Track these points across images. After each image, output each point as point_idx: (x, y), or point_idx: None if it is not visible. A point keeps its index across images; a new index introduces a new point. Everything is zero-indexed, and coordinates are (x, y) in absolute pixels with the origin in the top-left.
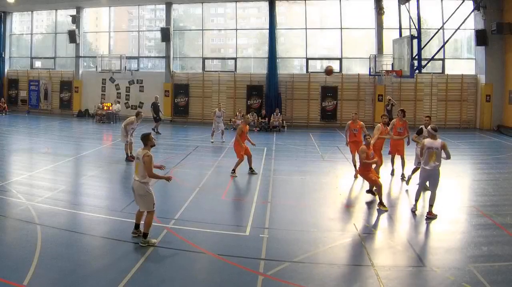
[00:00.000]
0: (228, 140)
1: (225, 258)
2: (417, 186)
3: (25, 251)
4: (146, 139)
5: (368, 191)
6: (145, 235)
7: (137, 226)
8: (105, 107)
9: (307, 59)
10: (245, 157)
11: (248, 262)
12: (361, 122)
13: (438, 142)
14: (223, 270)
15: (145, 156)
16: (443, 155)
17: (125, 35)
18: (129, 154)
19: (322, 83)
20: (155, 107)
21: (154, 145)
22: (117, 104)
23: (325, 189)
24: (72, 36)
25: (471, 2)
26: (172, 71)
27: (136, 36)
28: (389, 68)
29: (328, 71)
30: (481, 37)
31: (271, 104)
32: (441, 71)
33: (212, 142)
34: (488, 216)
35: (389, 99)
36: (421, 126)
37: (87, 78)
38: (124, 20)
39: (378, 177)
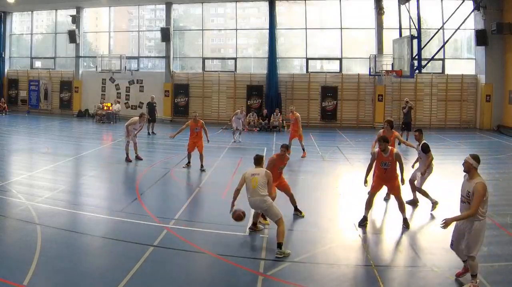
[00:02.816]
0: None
1: (225, 258)
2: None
3: (25, 251)
4: (261, 161)
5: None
6: (279, 245)
7: (254, 224)
8: (105, 107)
9: (307, 59)
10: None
11: (248, 262)
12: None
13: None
14: (223, 270)
15: (267, 173)
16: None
17: (125, 35)
18: (128, 154)
19: (322, 83)
20: (150, 107)
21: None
22: (117, 104)
23: (325, 189)
24: (72, 36)
25: (471, 2)
26: (172, 71)
27: (136, 36)
28: (389, 68)
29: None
30: (481, 37)
31: (271, 104)
32: (441, 71)
33: (234, 141)
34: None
35: (406, 102)
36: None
37: (87, 78)
38: (124, 20)
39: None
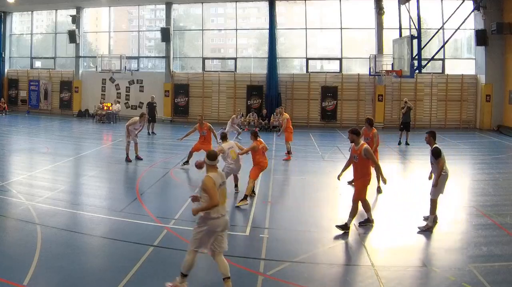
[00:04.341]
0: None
1: (225, 258)
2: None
3: (25, 251)
4: (226, 138)
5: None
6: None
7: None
8: (105, 108)
9: (307, 59)
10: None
11: (248, 262)
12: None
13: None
14: None
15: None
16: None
17: (125, 35)
18: (128, 154)
19: (322, 83)
20: (150, 107)
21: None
22: (117, 104)
23: (325, 189)
24: (72, 36)
25: (471, 2)
26: (172, 71)
27: (136, 36)
28: (389, 68)
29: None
30: (481, 37)
31: (271, 105)
32: (441, 71)
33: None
34: (488, 216)
35: (405, 102)
36: None
37: (87, 78)
38: (124, 20)
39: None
